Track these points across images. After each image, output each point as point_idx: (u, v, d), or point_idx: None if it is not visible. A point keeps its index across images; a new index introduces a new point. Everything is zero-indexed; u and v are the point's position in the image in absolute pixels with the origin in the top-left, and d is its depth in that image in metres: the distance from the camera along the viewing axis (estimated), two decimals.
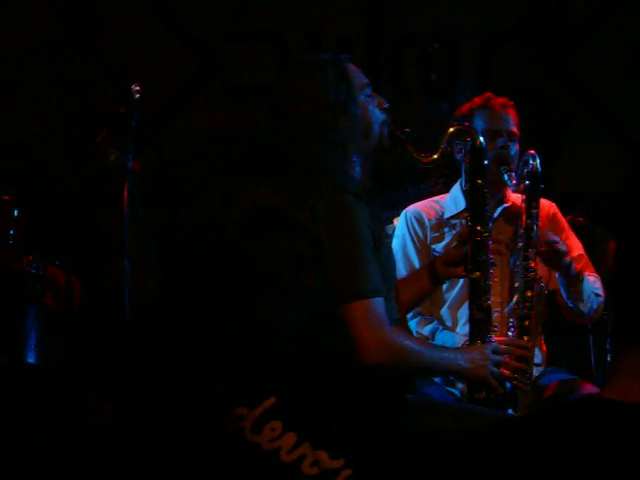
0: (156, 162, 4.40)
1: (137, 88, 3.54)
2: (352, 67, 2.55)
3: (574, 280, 2.99)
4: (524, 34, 4.78)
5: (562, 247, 2.93)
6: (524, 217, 2.95)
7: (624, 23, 4.73)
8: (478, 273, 2.63)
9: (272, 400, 2.00)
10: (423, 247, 3.23)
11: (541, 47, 4.78)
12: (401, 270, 3.11)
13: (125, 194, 3.45)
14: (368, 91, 2.54)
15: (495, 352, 2.60)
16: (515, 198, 3.17)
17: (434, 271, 2.75)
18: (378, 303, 2.32)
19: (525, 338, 2.88)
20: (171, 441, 2.04)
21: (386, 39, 4.79)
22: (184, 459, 1.99)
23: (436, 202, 3.32)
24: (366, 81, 2.55)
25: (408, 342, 2.40)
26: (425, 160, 2.56)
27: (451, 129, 2.61)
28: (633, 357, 0.94)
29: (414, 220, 3.26)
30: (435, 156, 2.56)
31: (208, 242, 2.46)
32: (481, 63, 4.78)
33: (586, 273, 3.08)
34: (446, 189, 3.38)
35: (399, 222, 3.30)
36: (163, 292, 3.67)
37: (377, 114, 2.53)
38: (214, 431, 2.00)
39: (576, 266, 3.00)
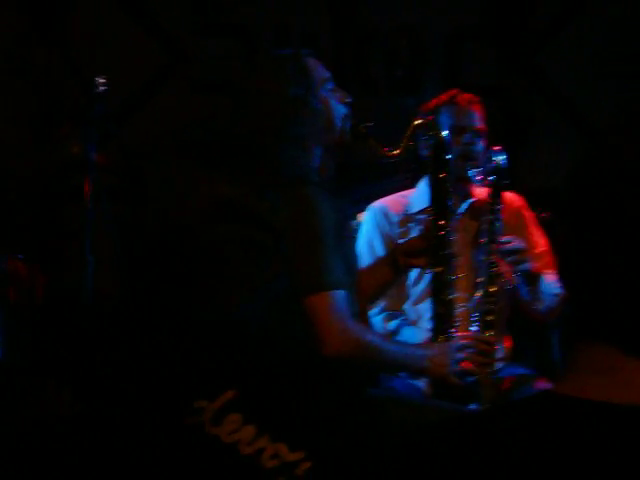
0: (119, 155, 4.36)
1: (102, 81, 3.52)
2: (313, 61, 2.55)
3: (532, 279, 3.00)
4: (491, 30, 4.79)
5: (519, 245, 2.91)
6: (488, 212, 2.96)
7: (591, 19, 4.75)
8: (440, 267, 2.64)
9: (231, 393, 1.99)
10: (390, 242, 3.23)
11: (508, 43, 4.78)
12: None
13: (87, 187, 3.42)
14: (329, 85, 2.54)
15: (458, 348, 2.61)
16: (480, 193, 3.18)
17: (395, 261, 2.76)
18: (340, 296, 2.33)
19: (489, 333, 2.88)
20: (130, 434, 2.02)
21: (352, 34, 4.78)
22: (143, 452, 1.98)
23: (403, 197, 3.31)
24: (327, 75, 2.55)
25: (370, 336, 2.41)
26: (388, 155, 2.56)
27: (414, 123, 2.62)
28: (588, 354, 0.93)
29: (380, 215, 3.25)
30: (398, 151, 2.56)
31: (168, 232, 2.46)
32: (448, 59, 4.79)
33: (547, 271, 3.08)
34: (413, 184, 3.38)
35: (365, 217, 3.28)
36: (125, 286, 3.65)
37: (338, 108, 2.53)
38: (173, 424, 1.99)
39: (536, 264, 3.00)
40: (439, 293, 2.65)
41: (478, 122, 3.17)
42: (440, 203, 2.67)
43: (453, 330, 2.65)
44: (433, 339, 2.73)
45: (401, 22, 4.79)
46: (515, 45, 4.79)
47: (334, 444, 1.95)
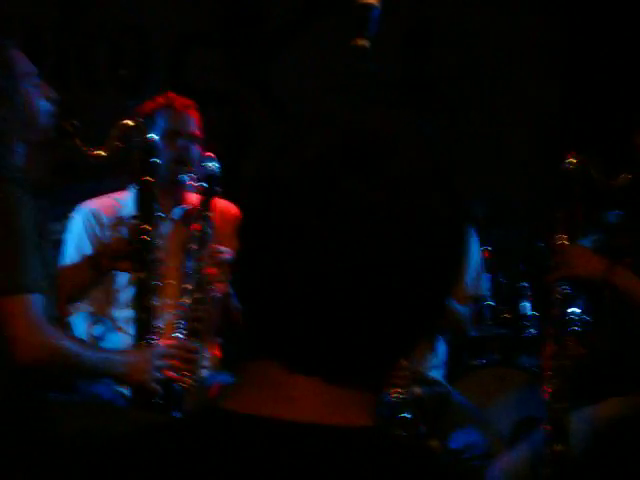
0: None
1: None
2: (17, 54, 2.44)
3: None
4: (220, 37, 4.81)
5: (228, 257, 2.92)
6: (198, 219, 2.94)
7: (318, 34, 4.87)
8: (144, 273, 2.60)
9: None
10: (100, 246, 3.15)
11: (236, 52, 4.82)
12: None
13: None
14: (34, 80, 2.45)
15: (160, 355, 2.58)
16: (195, 200, 3.16)
17: (98, 263, 2.70)
18: (36, 299, 2.25)
19: (194, 340, 2.87)
20: None
21: (79, 31, 4.65)
22: None
23: (115, 199, 3.22)
24: (32, 70, 2.46)
25: (65, 342, 2.34)
26: (92, 154, 2.49)
27: (120, 124, 2.57)
28: (258, 368, 0.93)
29: (91, 217, 3.16)
30: (102, 152, 2.50)
31: None
32: (174, 62, 4.76)
33: None
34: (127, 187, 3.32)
35: (74, 219, 3.18)
36: None
37: (42, 104, 2.44)
38: None
39: None
40: (141, 298, 2.61)
41: (193, 127, 3.15)
42: (145, 207, 2.63)
43: (153, 337, 2.61)
44: (134, 345, 2.69)
45: (129, 23, 4.71)
46: (243, 54, 4.83)
47: (6, 452, 1.87)
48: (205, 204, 2.94)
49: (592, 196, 2.93)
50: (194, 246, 2.94)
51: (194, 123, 3.16)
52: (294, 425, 0.89)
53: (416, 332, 0.94)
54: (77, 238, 3.14)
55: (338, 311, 0.88)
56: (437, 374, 3.54)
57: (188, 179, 3.04)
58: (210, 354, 3.14)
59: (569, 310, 3.00)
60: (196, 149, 3.12)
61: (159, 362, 2.55)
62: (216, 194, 2.97)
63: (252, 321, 0.93)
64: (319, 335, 0.89)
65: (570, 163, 2.86)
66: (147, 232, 2.60)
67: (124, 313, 3.09)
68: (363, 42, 1.86)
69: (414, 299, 0.90)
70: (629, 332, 2.89)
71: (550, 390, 2.84)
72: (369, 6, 1.93)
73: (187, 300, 2.92)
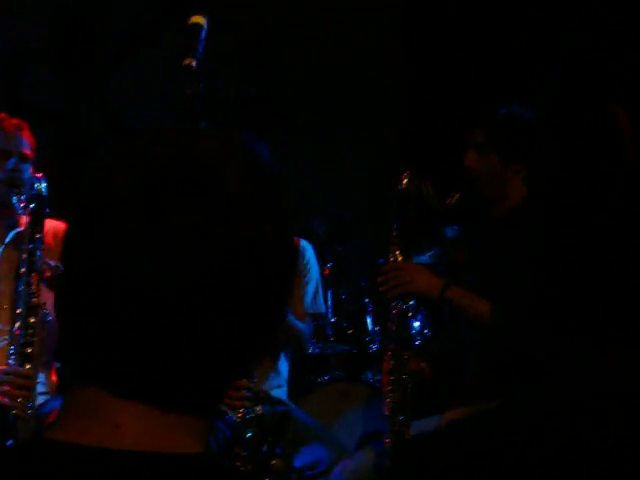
0: None
1: None
2: None
3: None
4: (57, 55, 4.71)
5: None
6: (27, 242, 2.86)
7: (157, 52, 4.83)
8: None
9: None
10: None
11: (71, 69, 4.73)
12: None
13: None
14: None
15: None
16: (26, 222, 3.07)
17: None
18: None
19: (27, 366, 2.78)
20: None
21: None
22: None
23: None
24: None
25: None
26: None
27: None
28: (85, 393, 0.90)
29: None
30: None
31: None
32: (7, 80, 4.63)
33: None
34: None
35: None
36: None
37: None
38: None
39: None
40: None
41: (25, 148, 3.07)
42: None
43: None
44: None
45: None
46: (80, 72, 4.74)
47: None
48: (34, 226, 2.85)
49: (427, 214, 3.00)
50: (23, 269, 2.85)
51: (26, 143, 3.07)
52: (116, 453, 0.87)
53: (244, 354, 0.93)
54: None
55: (157, 334, 0.87)
56: (280, 393, 3.54)
57: (18, 201, 2.94)
58: (46, 379, 3.05)
59: (410, 325, 3.06)
60: (28, 170, 3.03)
61: None
62: (45, 215, 2.89)
63: (75, 344, 0.91)
64: (139, 359, 0.87)
65: (403, 183, 2.95)
66: None
67: None
68: (191, 61, 1.86)
69: (239, 321, 0.90)
70: (467, 344, 2.97)
71: (390, 404, 2.89)
72: (198, 26, 1.93)
73: (17, 325, 2.82)
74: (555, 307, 2.41)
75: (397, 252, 2.96)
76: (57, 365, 3.18)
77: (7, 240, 3.05)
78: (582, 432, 0.75)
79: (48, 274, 2.84)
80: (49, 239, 2.94)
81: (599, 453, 0.74)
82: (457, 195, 2.90)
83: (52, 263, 2.85)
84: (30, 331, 2.79)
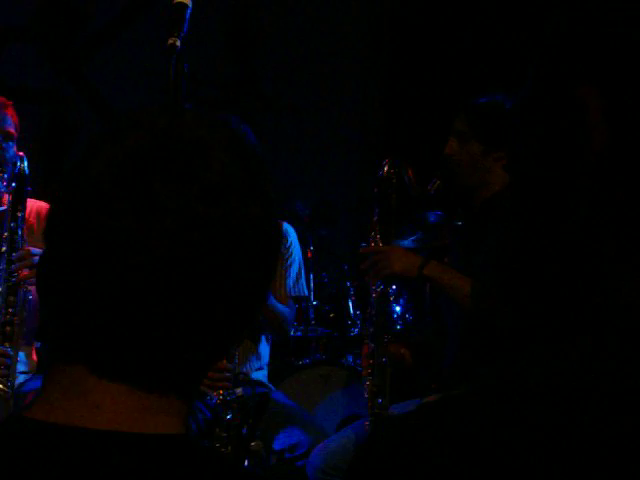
0: None
1: None
2: None
3: None
4: (39, 34, 4.68)
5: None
6: (9, 220, 2.85)
7: (142, 32, 4.82)
8: None
9: None
10: None
11: (55, 48, 4.71)
12: None
13: None
14: None
15: None
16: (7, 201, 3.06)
17: None
18: None
19: (7, 345, 2.78)
20: None
21: None
22: None
23: None
24: None
25: None
26: None
27: None
28: (67, 373, 0.90)
29: None
30: None
31: None
32: None
33: None
34: None
35: None
36: None
37: None
38: None
39: None
40: None
41: (9, 126, 3.05)
42: None
43: None
44: None
45: None
46: (64, 51, 4.72)
47: None
48: (16, 204, 2.84)
49: (408, 200, 3.02)
50: (4, 248, 2.84)
51: (11, 122, 3.06)
52: (95, 433, 0.88)
53: (225, 335, 0.93)
54: None
55: (139, 314, 0.87)
56: (261, 375, 3.55)
57: (0, 179, 2.93)
58: (26, 358, 3.05)
59: (390, 309, 3.08)
60: (12, 148, 3.02)
61: None
62: (27, 194, 2.88)
63: (57, 324, 0.91)
64: (121, 339, 0.88)
65: (384, 169, 2.96)
66: None
67: None
68: (175, 41, 1.85)
69: (220, 303, 0.90)
70: (447, 328, 2.98)
71: (369, 387, 2.91)
72: (182, 6, 1.92)
73: None
74: (524, 290, 2.43)
75: (377, 237, 2.97)
76: (37, 344, 3.18)
77: None
78: (553, 413, 0.76)
79: (28, 255, 2.82)
80: (32, 219, 2.93)
81: (572, 435, 0.75)
82: (437, 182, 2.91)
83: (34, 249, 2.83)
84: (10, 310, 2.78)
